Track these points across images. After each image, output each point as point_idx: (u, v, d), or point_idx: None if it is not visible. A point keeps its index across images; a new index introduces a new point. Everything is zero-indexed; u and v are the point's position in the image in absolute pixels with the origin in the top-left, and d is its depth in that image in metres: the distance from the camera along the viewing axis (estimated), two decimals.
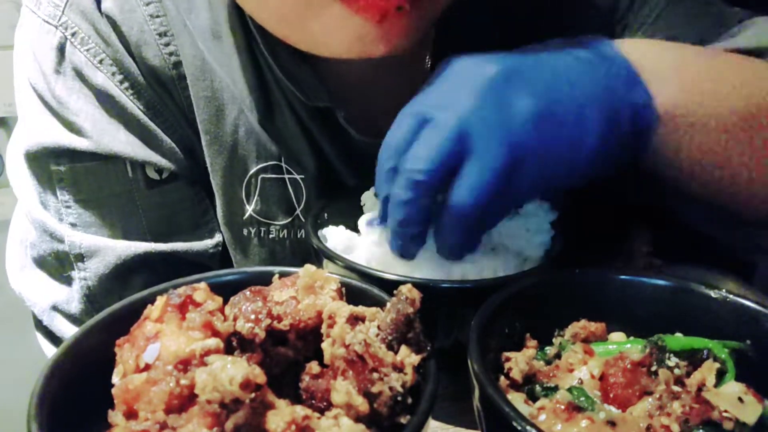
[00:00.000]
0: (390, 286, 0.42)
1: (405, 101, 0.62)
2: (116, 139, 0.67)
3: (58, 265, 0.69)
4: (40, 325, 0.72)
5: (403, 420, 0.37)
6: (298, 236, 0.73)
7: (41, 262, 0.70)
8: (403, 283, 0.40)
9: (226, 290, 0.41)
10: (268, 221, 0.72)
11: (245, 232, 0.72)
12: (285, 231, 0.73)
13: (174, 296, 0.39)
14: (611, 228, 0.81)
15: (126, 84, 0.67)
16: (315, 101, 0.68)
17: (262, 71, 0.69)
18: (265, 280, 0.44)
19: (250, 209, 0.72)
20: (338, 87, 0.70)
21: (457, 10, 0.62)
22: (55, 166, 0.67)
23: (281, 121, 0.70)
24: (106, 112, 0.67)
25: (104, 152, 0.66)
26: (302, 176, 0.71)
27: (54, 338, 0.71)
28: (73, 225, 0.68)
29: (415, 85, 0.63)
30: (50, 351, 0.73)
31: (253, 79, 0.69)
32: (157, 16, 0.67)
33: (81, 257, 0.67)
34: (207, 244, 0.73)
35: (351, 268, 0.53)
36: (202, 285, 0.40)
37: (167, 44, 0.67)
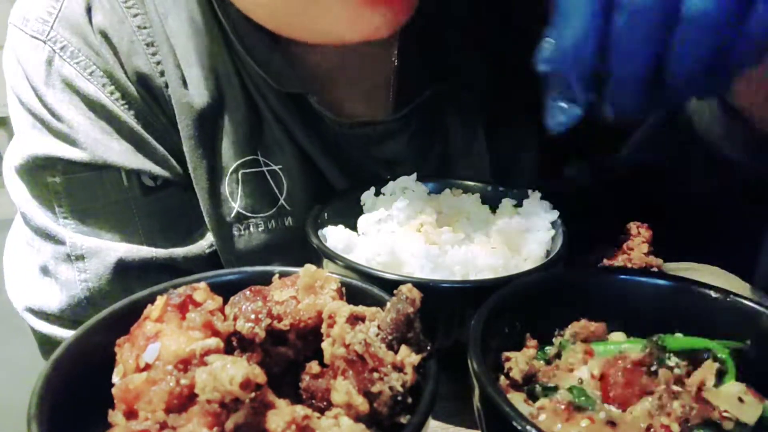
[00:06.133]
0: (390, 286, 0.42)
1: (369, 90, 0.61)
2: (110, 149, 0.67)
3: (57, 267, 0.68)
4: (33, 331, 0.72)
5: (403, 420, 0.37)
6: (286, 224, 0.74)
7: (44, 268, 0.70)
8: (403, 283, 0.40)
9: (226, 290, 0.41)
10: (255, 215, 0.73)
11: (234, 230, 0.73)
12: (273, 222, 0.73)
13: (174, 296, 0.39)
14: (611, 228, 0.81)
15: (117, 95, 0.67)
16: (287, 87, 0.69)
17: (236, 63, 0.70)
18: (265, 279, 0.44)
19: (236, 206, 0.72)
20: (307, 75, 0.72)
21: (423, 7, 0.63)
22: (51, 178, 0.67)
23: (257, 111, 0.71)
24: (99, 123, 0.67)
25: (99, 162, 0.67)
26: (280, 166, 0.72)
27: (51, 342, 0.71)
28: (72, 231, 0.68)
29: (380, 76, 0.65)
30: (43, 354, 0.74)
31: (232, 71, 0.70)
32: (144, 27, 0.68)
33: (82, 257, 0.68)
34: (202, 245, 0.73)
35: (351, 267, 0.53)
36: (202, 285, 0.40)
37: (154, 54, 0.68)
